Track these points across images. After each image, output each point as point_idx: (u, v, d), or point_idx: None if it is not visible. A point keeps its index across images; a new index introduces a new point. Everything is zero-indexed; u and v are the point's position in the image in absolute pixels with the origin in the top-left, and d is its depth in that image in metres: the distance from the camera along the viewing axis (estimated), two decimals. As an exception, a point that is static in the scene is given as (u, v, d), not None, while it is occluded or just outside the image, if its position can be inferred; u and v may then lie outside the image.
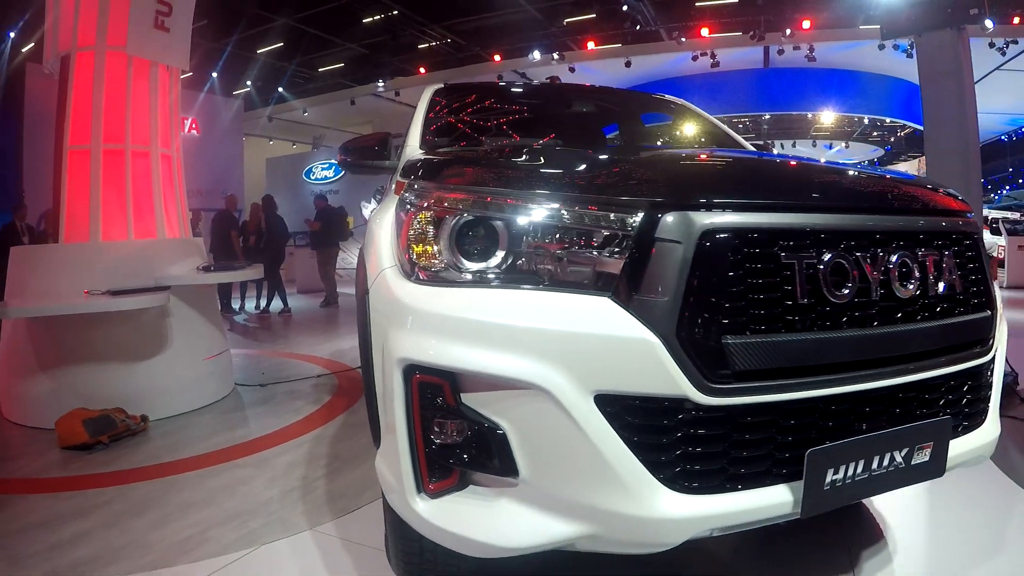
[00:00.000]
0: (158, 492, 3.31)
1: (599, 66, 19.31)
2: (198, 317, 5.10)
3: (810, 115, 23.02)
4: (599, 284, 1.53)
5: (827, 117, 23.44)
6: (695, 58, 17.33)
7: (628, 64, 18.04)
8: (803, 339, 1.55)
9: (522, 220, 1.61)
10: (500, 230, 1.62)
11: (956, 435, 1.87)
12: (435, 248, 1.66)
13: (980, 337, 1.92)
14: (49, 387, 4.38)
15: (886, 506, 2.90)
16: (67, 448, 3.93)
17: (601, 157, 1.99)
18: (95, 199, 4.66)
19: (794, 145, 27.98)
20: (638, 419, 1.50)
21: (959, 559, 2.48)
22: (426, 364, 1.56)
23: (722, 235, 1.52)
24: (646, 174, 1.75)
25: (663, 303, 1.47)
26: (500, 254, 1.62)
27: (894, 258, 1.70)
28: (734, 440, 1.55)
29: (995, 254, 14.07)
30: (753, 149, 3.47)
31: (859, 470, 1.61)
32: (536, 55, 18.05)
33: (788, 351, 1.53)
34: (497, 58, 19.13)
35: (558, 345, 1.48)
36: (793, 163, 2.15)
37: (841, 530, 2.68)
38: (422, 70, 20.07)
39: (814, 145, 27.95)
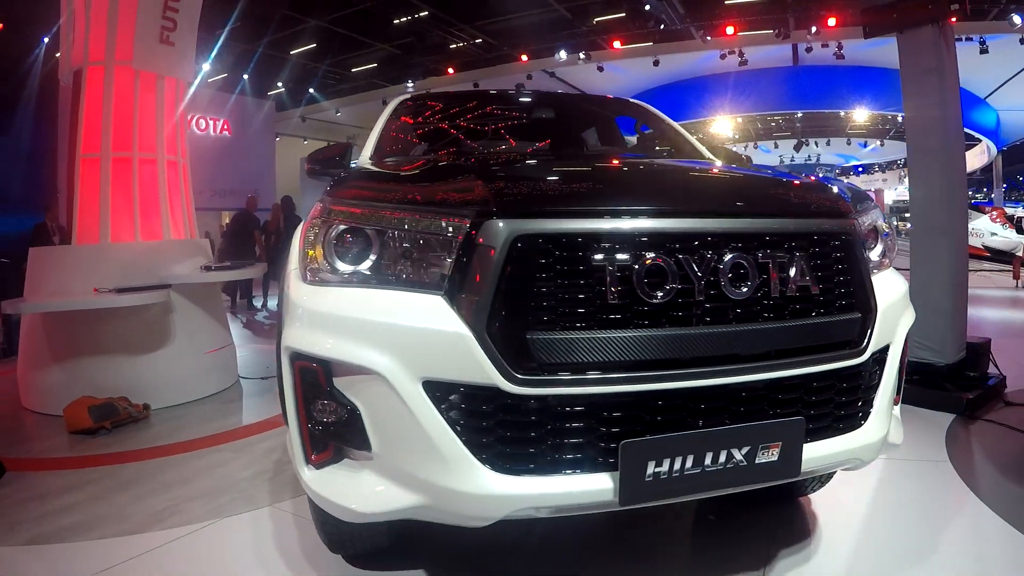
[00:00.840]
0: (146, 471, 3.65)
1: (627, 65, 19.23)
2: (201, 313, 5.45)
3: (843, 113, 22.73)
4: (436, 284, 1.74)
5: (861, 115, 23.13)
6: (723, 56, 17.20)
7: (656, 63, 17.98)
8: (606, 337, 1.64)
9: (380, 229, 1.83)
10: (365, 238, 1.86)
11: (823, 437, 1.89)
12: (319, 253, 1.91)
13: (846, 339, 1.91)
14: (61, 377, 4.77)
15: (823, 503, 2.93)
16: (74, 432, 4.31)
17: (462, 168, 2.16)
18: (104, 204, 5.04)
19: (828, 143, 27.70)
20: (460, 404, 1.68)
21: (883, 563, 2.45)
22: (304, 352, 1.82)
23: (530, 240, 1.66)
24: (481, 185, 1.87)
25: (478, 302, 1.65)
26: (366, 259, 1.85)
27: (727, 259, 1.74)
28: (551, 427, 1.68)
29: (1018, 253, 13.89)
30: (707, 158, 3.48)
31: (689, 465, 1.67)
32: (563, 55, 18.12)
33: (590, 348, 1.64)
34: (524, 58, 19.23)
35: (393, 337, 1.70)
36: (641, 169, 2.24)
37: (767, 527, 2.72)
38: (451, 70, 20.30)
39: (848, 143, 27.62)
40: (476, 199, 1.77)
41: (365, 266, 1.85)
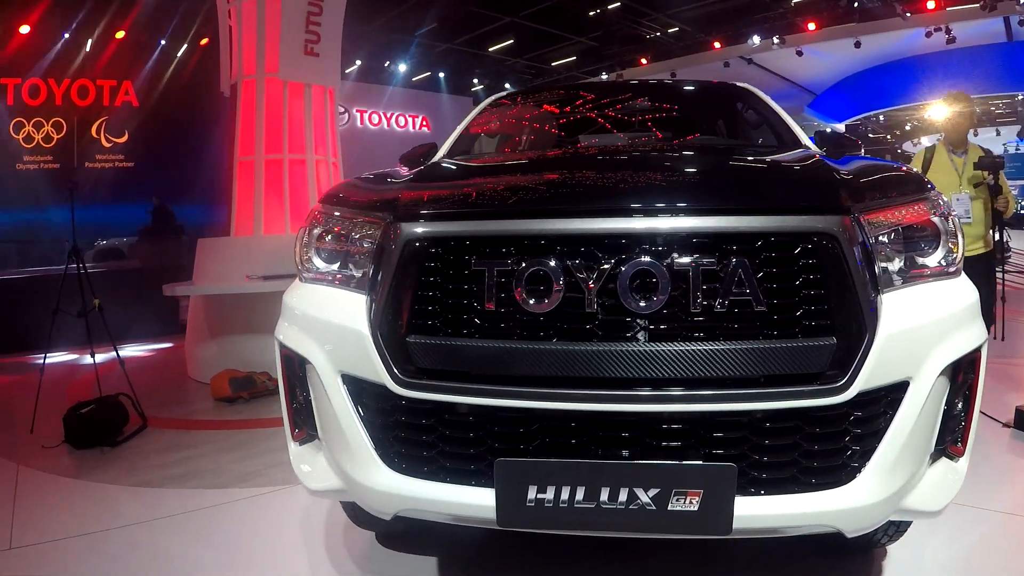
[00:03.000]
0: (255, 438, 4.12)
1: (827, 48, 18.14)
2: (342, 299, 5.98)
3: (1072, 93, 19.61)
4: (363, 285, 1.79)
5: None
6: (928, 34, 15.61)
7: (858, 45, 16.80)
8: (484, 347, 1.59)
9: (341, 233, 1.92)
10: (336, 239, 1.96)
11: (773, 492, 1.58)
12: (301, 253, 2.04)
13: (812, 372, 1.54)
14: (215, 351, 5.48)
15: (898, 559, 2.45)
16: (217, 399, 4.96)
17: (421, 173, 2.20)
18: (258, 200, 5.72)
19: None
20: (364, 400, 1.75)
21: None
22: (281, 341, 2.00)
23: (420, 244, 1.67)
24: (404, 189, 1.90)
25: (376, 302, 1.70)
26: (337, 260, 1.95)
27: (627, 266, 1.54)
28: (435, 433, 1.68)
29: None
30: (804, 146, 3.17)
31: (580, 497, 1.52)
32: (756, 40, 17.40)
33: (467, 357, 1.60)
34: (717, 45, 18.67)
35: (324, 332, 1.81)
36: (588, 163, 2.07)
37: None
38: (644, 61, 20.17)
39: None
40: (395, 203, 1.82)
41: (334, 266, 1.93)
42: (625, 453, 1.59)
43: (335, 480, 1.90)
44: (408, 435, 1.73)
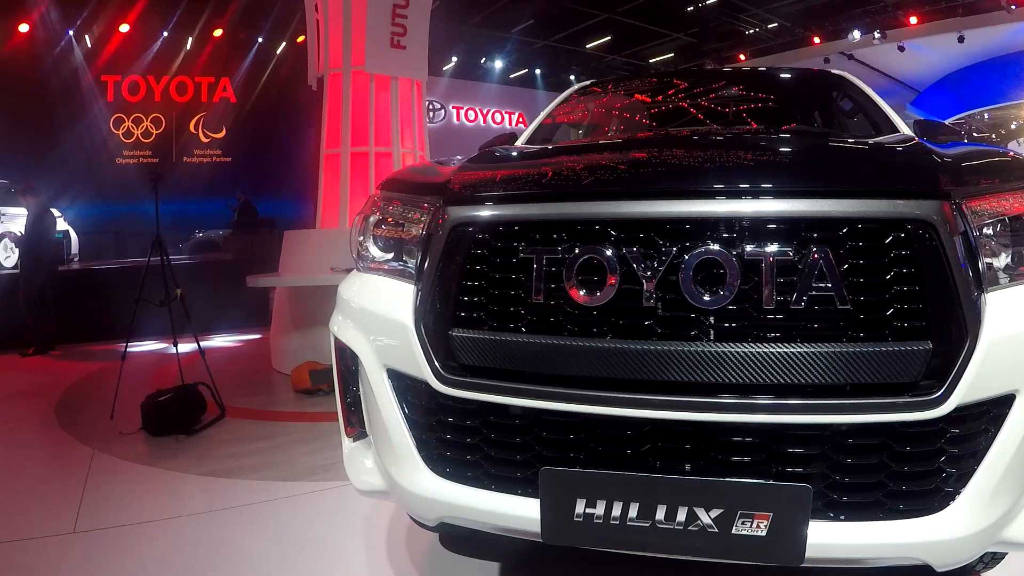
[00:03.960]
0: (331, 431, 4.04)
1: (929, 43, 17.17)
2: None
3: None
4: (411, 274, 1.67)
5: None
6: (1034, 27, 14.48)
7: (961, 39, 15.83)
8: (531, 343, 1.45)
9: (395, 219, 1.79)
10: (386, 225, 1.84)
11: (852, 518, 1.39)
12: (356, 241, 1.93)
13: (901, 380, 1.33)
14: (297, 343, 5.50)
15: None
16: (297, 392, 4.95)
17: (481, 156, 2.07)
18: (344, 193, 5.71)
19: None
20: (408, 397, 1.64)
21: None
22: (334, 333, 1.89)
23: (466, 229, 1.54)
24: (452, 172, 1.78)
25: (421, 292, 1.58)
26: (389, 247, 1.82)
27: (692, 254, 1.36)
28: (479, 436, 1.55)
29: None
30: (900, 132, 2.96)
31: (633, 514, 1.37)
32: (856, 35, 16.79)
33: (513, 354, 1.46)
34: (817, 40, 18.00)
35: (370, 324, 1.71)
36: (657, 146, 1.83)
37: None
38: (742, 57, 19.63)
39: None
40: (444, 187, 1.69)
41: (389, 255, 1.81)
42: (686, 467, 1.43)
43: (379, 482, 1.79)
44: (452, 437, 1.59)
